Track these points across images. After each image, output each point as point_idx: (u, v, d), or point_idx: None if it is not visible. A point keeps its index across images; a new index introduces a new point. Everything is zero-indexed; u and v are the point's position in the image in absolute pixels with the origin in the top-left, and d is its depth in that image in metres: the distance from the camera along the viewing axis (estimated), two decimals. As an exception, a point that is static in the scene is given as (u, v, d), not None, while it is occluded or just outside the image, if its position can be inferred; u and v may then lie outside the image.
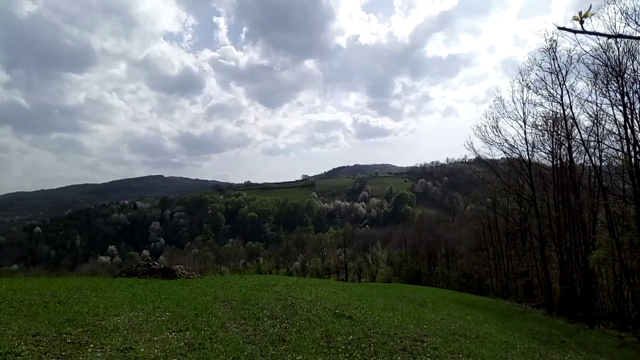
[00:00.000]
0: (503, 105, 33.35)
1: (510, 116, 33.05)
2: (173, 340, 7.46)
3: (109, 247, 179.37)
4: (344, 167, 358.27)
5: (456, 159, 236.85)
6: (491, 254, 50.74)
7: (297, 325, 9.59)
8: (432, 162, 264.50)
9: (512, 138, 33.75)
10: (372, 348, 8.19)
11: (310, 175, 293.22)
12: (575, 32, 2.69)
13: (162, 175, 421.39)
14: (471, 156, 40.77)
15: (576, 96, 28.86)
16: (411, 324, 11.88)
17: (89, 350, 6.53)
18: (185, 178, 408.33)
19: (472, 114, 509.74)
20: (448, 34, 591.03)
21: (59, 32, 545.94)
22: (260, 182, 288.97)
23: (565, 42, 34.78)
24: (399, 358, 7.82)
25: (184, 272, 18.81)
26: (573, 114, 29.13)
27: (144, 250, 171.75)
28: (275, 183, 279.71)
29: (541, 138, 32.68)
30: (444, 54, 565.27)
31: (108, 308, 9.21)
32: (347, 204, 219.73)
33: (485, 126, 34.18)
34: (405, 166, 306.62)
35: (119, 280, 15.96)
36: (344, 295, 15.44)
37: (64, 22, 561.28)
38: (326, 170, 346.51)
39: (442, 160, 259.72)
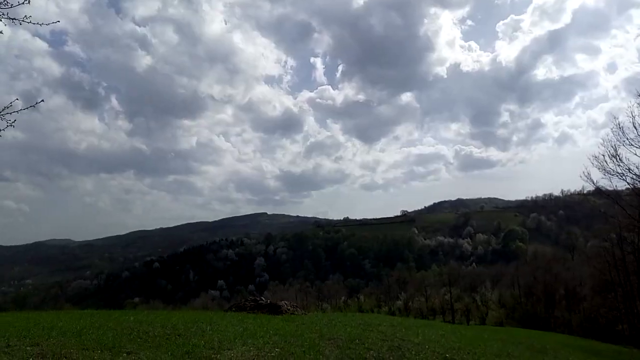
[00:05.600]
0: (623, 132, 29.96)
1: (633, 143, 29.52)
2: (283, 377, 7.53)
3: (219, 281, 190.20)
4: (445, 201, 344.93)
5: (572, 190, 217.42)
6: (620, 296, 44.97)
7: (405, 368, 9.22)
8: (545, 195, 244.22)
9: (637, 166, 29.97)
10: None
11: (409, 210, 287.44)
12: None
13: (266, 213, 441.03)
14: (589, 187, 36.90)
15: None
16: (532, 374, 10.84)
17: (207, 383, 6.83)
18: (287, 215, 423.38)
19: (590, 140, 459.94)
20: (559, 54, 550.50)
21: (171, 82, 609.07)
22: (358, 217, 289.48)
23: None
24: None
25: (289, 308, 19.14)
26: None
27: (250, 285, 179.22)
28: (374, 219, 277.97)
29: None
30: (555, 77, 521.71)
31: (222, 342, 9.62)
32: (451, 240, 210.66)
33: (603, 155, 30.88)
34: (514, 199, 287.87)
35: (230, 314, 16.70)
36: (453, 339, 14.58)
37: (175, 73, 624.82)
38: (426, 205, 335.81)
39: (557, 193, 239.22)
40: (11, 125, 6.86)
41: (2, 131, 6.86)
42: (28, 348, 7.62)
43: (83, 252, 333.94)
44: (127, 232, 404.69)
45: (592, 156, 31.54)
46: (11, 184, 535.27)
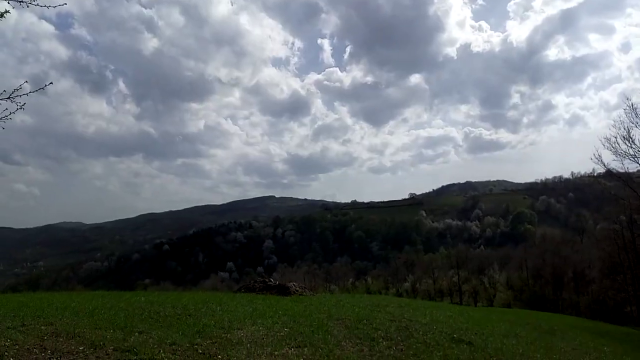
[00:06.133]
0: (636, 113, 29.37)
1: (645, 124, 28.89)
2: (293, 356, 7.66)
3: (228, 263, 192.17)
4: (454, 184, 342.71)
5: (582, 172, 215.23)
6: (629, 278, 44.85)
7: (413, 348, 9.31)
8: (555, 177, 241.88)
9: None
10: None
11: (418, 193, 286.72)
12: None
13: (274, 196, 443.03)
14: (600, 169, 36.33)
15: None
16: (538, 353, 10.92)
17: (218, 361, 6.96)
18: (295, 198, 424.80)
19: (601, 121, 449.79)
20: (572, 34, 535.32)
21: (178, 65, 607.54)
22: (366, 200, 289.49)
23: None
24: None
25: (297, 289, 19.32)
26: None
27: (259, 267, 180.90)
28: (381, 202, 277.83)
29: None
30: (567, 57, 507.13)
31: (232, 322, 9.77)
32: (459, 222, 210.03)
33: (615, 137, 30.36)
34: (523, 182, 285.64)
35: (240, 295, 16.91)
36: (460, 320, 14.67)
37: (182, 56, 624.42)
38: (435, 188, 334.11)
39: (567, 175, 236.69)
40: (21, 108, 6.88)
41: (12, 114, 6.89)
42: (42, 327, 7.78)
43: (93, 235, 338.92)
44: (137, 215, 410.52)
45: (604, 138, 30.96)
46: (22, 167, 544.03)
